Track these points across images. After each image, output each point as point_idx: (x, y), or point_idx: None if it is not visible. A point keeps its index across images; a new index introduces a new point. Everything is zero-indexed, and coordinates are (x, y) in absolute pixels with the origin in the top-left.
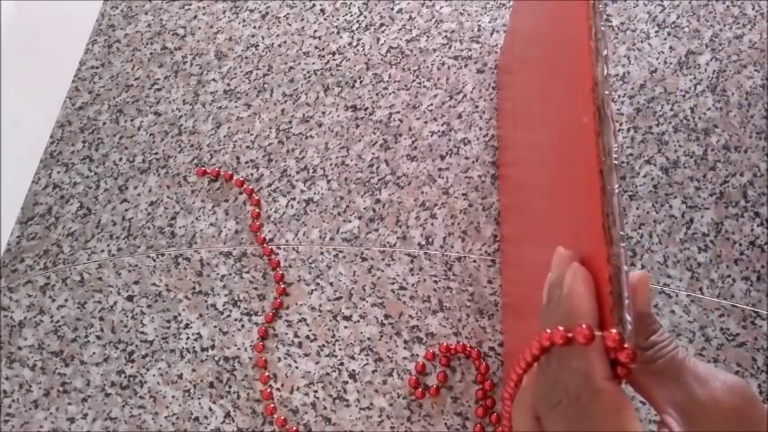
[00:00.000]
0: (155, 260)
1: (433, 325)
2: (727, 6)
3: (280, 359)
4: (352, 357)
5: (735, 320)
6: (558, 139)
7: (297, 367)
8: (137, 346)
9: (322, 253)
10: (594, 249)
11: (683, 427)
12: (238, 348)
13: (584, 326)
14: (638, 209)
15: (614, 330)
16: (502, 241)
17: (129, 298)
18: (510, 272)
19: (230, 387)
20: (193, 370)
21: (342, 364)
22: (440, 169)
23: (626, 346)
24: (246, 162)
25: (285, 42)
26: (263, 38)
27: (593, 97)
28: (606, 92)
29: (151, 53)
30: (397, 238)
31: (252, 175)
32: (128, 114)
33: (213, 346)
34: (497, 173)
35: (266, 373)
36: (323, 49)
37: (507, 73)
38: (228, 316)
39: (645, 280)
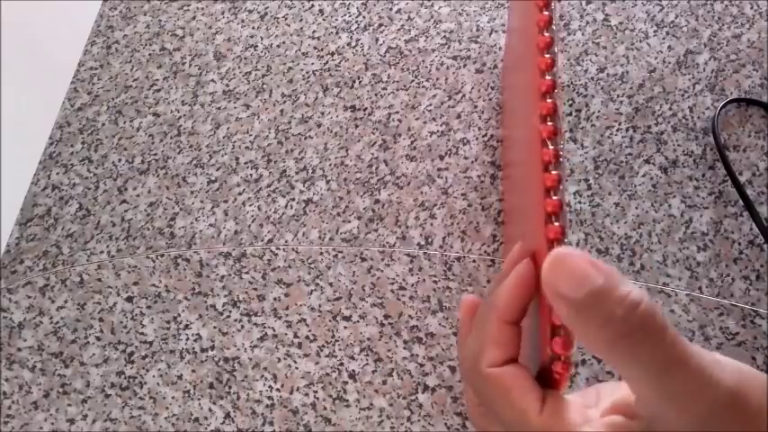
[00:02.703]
0: (154, 261)
1: (432, 325)
2: (726, 6)
3: (280, 359)
4: (352, 357)
5: (734, 319)
6: (526, 137)
7: (297, 367)
8: (136, 347)
9: (321, 253)
10: (540, 246)
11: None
12: (238, 349)
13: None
14: (637, 208)
15: (553, 307)
16: (506, 241)
17: (129, 299)
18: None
19: (230, 388)
20: (193, 371)
21: (342, 364)
22: (439, 169)
23: (561, 333)
24: (246, 163)
25: (284, 43)
26: (261, 38)
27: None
28: (556, 90)
29: (150, 54)
30: (397, 238)
31: (251, 175)
32: (127, 115)
33: (213, 347)
34: (501, 173)
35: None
36: (322, 49)
37: (509, 72)
38: (228, 317)
39: (558, 258)
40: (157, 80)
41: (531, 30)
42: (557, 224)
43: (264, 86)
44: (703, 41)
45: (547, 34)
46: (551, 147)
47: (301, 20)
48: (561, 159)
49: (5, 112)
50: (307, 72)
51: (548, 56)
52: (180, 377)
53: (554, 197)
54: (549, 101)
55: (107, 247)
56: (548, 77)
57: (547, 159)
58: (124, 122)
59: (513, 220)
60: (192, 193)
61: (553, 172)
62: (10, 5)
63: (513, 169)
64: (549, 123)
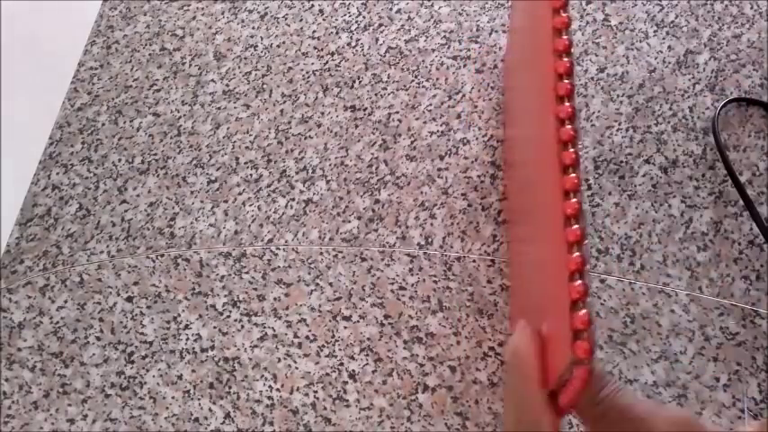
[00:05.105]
0: (154, 261)
1: (432, 325)
2: (726, 6)
3: (279, 359)
4: (352, 357)
5: (734, 319)
6: (539, 139)
7: (297, 368)
8: (136, 347)
9: (321, 253)
10: (559, 249)
11: None
12: (238, 349)
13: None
14: (637, 208)
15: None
16: (506, 241)
17: (129, 299)
18: (517, 271)
19: (230, 388)
20: (193, 371)
21: (342, 364)
22: (439, 169)
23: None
24: (246, 163)
25: (284, 43)
26: (261, 38)
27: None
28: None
29: (150, 54)
30: (397, 238)
31: (251, 175)
32: (127, 115)
33: (213, 347)
34: (502, 173)
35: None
36: (322, 49)
37: (512, 72)
38: (228, 317)
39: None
40: (157, 80)
41: (542, 31)
42: (576, 226)
43: (264, 86)
44: (703, 41)
45: (565, 37)
46: (572, 149)
47: (301, 20)
48: (580, 162)
49: (5, 112)
50: (307, 72)
51: (566, 59)
52: (180, 377)
53: (573, 200)
54: (567, 104)
55: (107, 247)
56: (566, 81)
57: (568, 162)
58: (124, 122)
59: (520, 221)
60: (191, 193)
61: (572, 174)
62: (10, 5)
63: (520, 170)
64: (568, 127)
